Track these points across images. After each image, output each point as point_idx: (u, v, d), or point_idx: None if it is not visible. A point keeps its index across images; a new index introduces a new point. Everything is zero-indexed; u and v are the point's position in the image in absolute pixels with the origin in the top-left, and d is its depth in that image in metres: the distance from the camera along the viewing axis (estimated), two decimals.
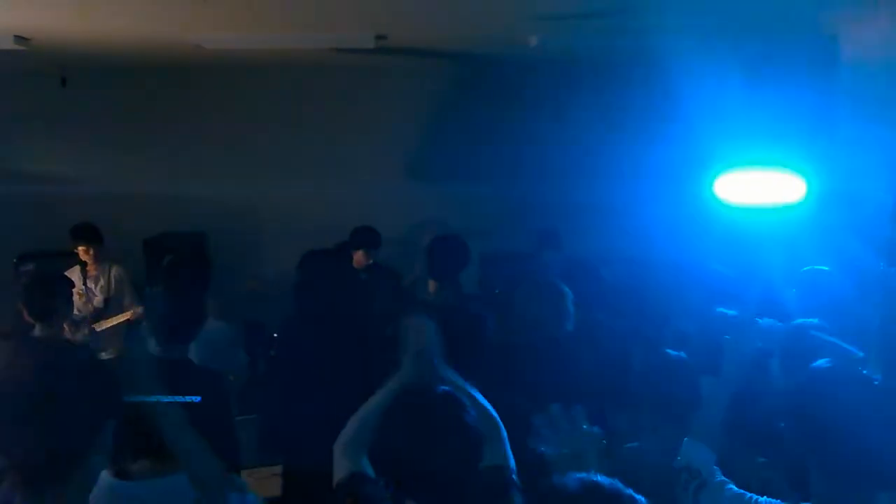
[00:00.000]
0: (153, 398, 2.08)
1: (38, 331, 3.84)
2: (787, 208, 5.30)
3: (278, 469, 3.40)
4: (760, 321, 3.33)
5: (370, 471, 1.97)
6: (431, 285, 3.60)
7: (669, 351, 2.73)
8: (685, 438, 2.17)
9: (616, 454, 2.60)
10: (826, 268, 3.88)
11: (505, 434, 2.10)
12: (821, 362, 1.99)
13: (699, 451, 2.11)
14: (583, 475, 1.43)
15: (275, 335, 5.31)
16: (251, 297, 5.05)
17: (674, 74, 5.61)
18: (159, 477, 2.14)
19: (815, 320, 3.10)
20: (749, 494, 2.02)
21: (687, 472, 2.08)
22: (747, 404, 2.35)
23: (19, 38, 4.95)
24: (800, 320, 3.13)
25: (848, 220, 4.84)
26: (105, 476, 2.22)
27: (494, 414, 2.13)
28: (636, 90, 6.54)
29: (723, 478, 2.08)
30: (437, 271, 3.60)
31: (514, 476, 2.04)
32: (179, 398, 2.10)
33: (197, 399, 2.21)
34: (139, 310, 5.14)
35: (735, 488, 2.05)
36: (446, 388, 1.95)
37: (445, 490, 1.79)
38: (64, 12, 4.42)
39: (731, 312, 3.21)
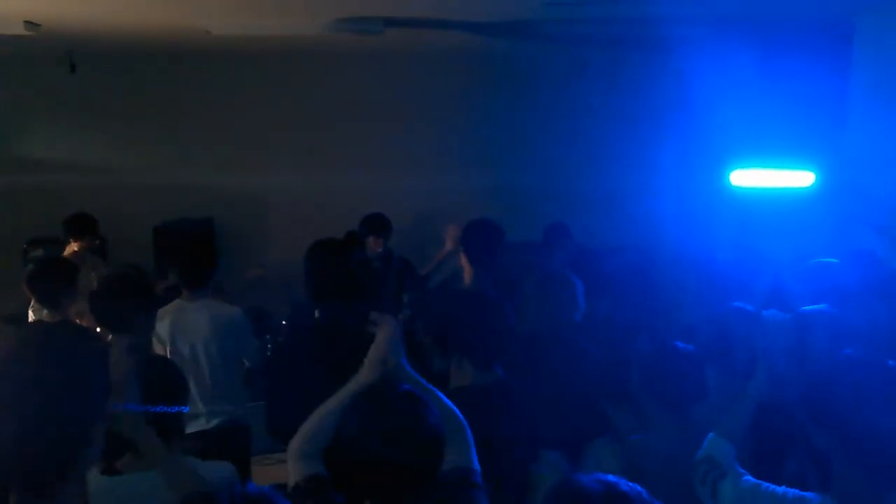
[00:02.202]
0: (142, 408, 2.04)
1: (46, 316, 3.86)
2: (799, 198, 5.28)
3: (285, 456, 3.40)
4: (766, 312, 3.33)
5: (325, 473, 1.95)
6: (468, 273, 3.54)
7: (678, 343, 2.72)
8: (710, 434, 2.18)
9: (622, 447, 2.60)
10: (833, 260, 3.84)
11: (470, 436, 2.08)
12: (844, 351, 1.98)
13: (722, 445, 2.13)
14: (607, 478, 1.40)
15: (283, 322, 5.32)
16: (257, 283, 5.04)
17: (685, 63, 5.58)
18: (145, 470, 2.11)
19: (823, 306, 3.09)
20: (766, 484, 2.02)
21: (707, 464, 2.10)
22: (771, 404, 2.34)
23: (29, 24, 4.94)
24: (807, 307, 3.11)
25: (859, 211, 4.80)
26: (93, 474, 2.21)
27: (459, 415, 2.10)
28: (647, 78, 6.51)
29: (741, 470, 2.09)
30: (476, 256, 3.52)
31: (477, 478, 2.01)
32: (168, 409, 2.08)
33: (185, 409, 2.19)
34: None
35: (752, 479, 2.06)
36: (408, 386, 1.92)
37: (406, 491, 1.77)
38: None
39: (749, 308, 3.19)
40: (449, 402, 2.12)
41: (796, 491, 1.99)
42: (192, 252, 4.07)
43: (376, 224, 5.67)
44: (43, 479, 1.45)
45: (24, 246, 6.35)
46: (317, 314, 3.52)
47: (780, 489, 1.99)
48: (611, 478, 1.41)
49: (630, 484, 1.41)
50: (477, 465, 2.04)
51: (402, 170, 6.83)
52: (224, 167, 6.92)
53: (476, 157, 6.78)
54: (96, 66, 6.59)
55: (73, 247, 5.43)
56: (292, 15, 4.99)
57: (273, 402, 3.22)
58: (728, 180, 5.60)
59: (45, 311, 3.93)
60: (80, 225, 5.40)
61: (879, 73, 4.78)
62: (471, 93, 6.83)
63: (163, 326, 3.71)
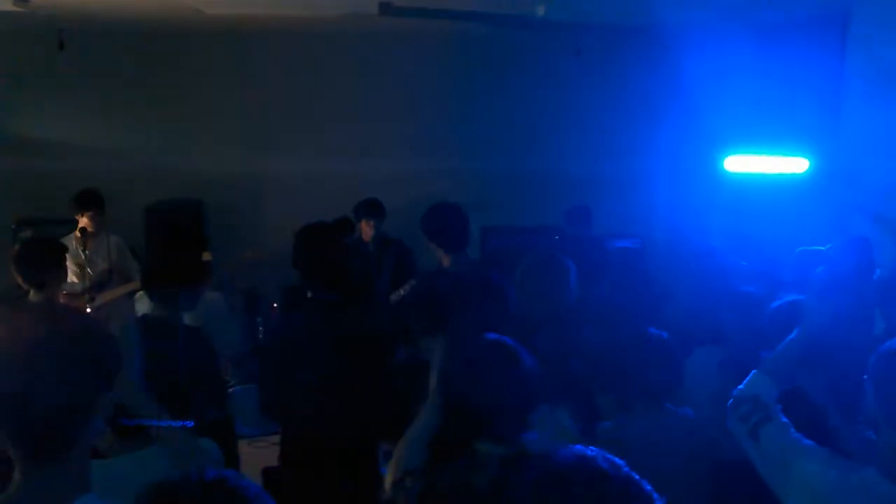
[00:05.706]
0: (150, 421, 2.03)
1: (32, 297, 3.82)
2: (793, 184, 5.29)
3: (277, 439, 3.39)
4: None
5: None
6: (445, 259, 3.48)
7: (651, 329, 2.70)
8: (753, 371, 2.10)
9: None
10: (822, 247, 3.82)
11: None
12: None
13: (766, 385, 2.05)
14: (584, 450, 1.34)
15: (273, 304, 5.30)
16: (250, 266, 5.01)
17: (681, 51, 5.56)
18: (130, 452, 2.11)
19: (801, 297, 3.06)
20: (811, 443, 1.95)
21: (752, 403, 2.02)
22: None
23: (18, 0, 4.88)
24: (790, 297, 3.08)
25: (854, 198, 4.81)
26: None
27: None
28: (644, 63, 6.48)
29: (786, 420, 2.01)
30: (447, 241, 3.46)
31: None
32: (174, 423, 2.06)
33: (189, 424, 2.17)
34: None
35: (795, 433, 1.98)
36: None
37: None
38: None
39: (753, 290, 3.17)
40: None
41: (826, 449, 1.91)
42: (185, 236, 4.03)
43: (369, 208, 5.68)
44: (43, 449, 1.45)
45: (13, 227, 6.29)
46: (309, 296, 3.50)
47: (827, 450, 1.90)
48: (591, 451, 1.32)
49: (610, 457, 1.32)
50: None
51: (396, 153, 6.79)
52: (217, 147, 6.86)
53: (472, 143, 6.75)
54: (85, 44, 6.51)
55: (83, 221, 5.37)
56: None
57: (265, 382, 3.20)
58: (722, 167, 5.59)
59: (31, 292, 3.89)
60: (89, 200, 5.36)
61: (874, 61, 4.77)
62: (468, 77, 6.79)
63: (142, 306, 3.66)
